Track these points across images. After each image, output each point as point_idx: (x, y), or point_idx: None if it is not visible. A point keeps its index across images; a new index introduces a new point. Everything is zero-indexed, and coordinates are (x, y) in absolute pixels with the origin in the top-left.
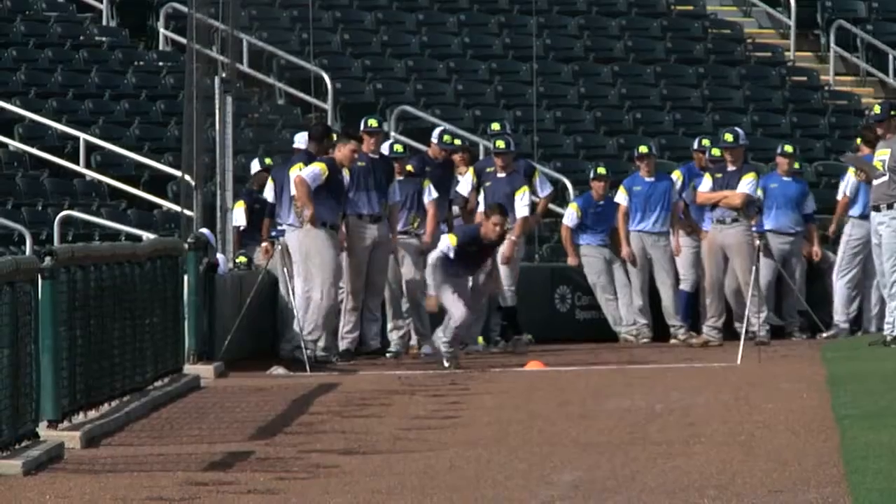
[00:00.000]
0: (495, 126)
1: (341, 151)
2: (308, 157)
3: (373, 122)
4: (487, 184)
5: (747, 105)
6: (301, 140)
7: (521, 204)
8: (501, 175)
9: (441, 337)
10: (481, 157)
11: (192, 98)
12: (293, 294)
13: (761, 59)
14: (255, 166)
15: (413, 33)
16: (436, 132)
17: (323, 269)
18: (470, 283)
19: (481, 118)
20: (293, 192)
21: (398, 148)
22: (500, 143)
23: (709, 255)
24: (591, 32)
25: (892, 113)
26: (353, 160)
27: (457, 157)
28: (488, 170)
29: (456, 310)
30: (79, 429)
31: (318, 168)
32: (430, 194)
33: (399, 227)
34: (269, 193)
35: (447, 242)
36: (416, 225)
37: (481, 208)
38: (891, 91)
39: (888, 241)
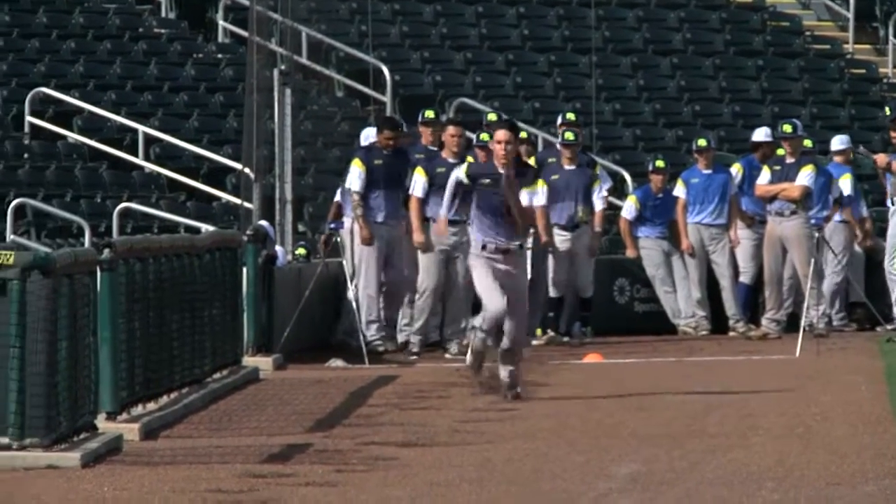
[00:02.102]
0: (571, 116)
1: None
2: (364, 153)
3: (429, 114)
4: (555, 176)
5: (806, 97)
6: (368, 136)
7: (598, 196)
8: (571, 167)
9: (478, 328)
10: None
11: (251, 90)
12: (352, 285)
13: (820, 51)
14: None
15: (472, 25)
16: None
17: (369, 261)
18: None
19: (540, 110)
20: (349, 185)
21: (484, 137)
22: (570, 135)
23: (768, 247)
24: (650, 24)
25: None
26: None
27: (521, 149)
28: (549, 160)
29: (490, 300)
30: (137, 421)
31: (355, 168)
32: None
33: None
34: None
35: (459, 170)
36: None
37: (542, 200)
38: None
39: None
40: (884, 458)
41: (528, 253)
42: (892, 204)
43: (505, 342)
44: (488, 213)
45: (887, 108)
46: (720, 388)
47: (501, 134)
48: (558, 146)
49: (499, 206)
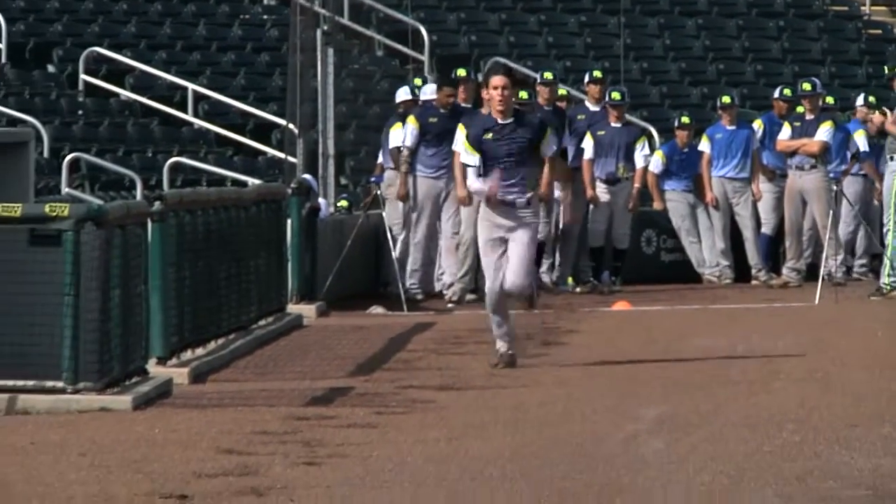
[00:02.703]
0: (598, 73)
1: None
2: (401, 116)
3: (461, 72)
4: (601, 132)
5: (825, 57)
6: (403, 94)
7: (641, 154)
8: (617, 125)
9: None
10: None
11: (295, 50)
12: (392, 235)
13: (838, 12)
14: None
15: None
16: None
17: (422, 213)
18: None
19: (571, 69)
20: (391, 143)
21: (523, 95)
22: (616, 95)
23: (788, 199)
24: None
25: None
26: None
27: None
28: (579, 117)
29: (490, 278)
30: (186, 366)
31: (409, 125)
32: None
33: None
34: (396, 138)
35: (460, 143)
36: None
37: (589, 154)
38: None
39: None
40: None
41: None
42: (892, 160)
43: (506, 285)
44: (497, 164)
45: (885, 68)
46: (743, 335)
47: (497, 80)
48: (607, 105)
49: (507, 157)
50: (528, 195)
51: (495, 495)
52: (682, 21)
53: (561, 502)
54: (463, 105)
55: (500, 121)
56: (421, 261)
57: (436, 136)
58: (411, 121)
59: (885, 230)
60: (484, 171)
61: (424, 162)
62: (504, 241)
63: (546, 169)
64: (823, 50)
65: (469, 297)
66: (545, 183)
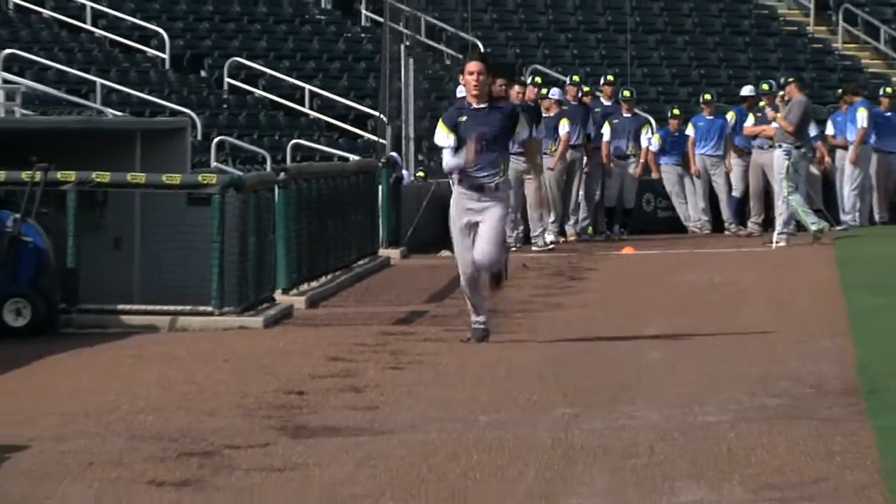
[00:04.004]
0: (610, 77)
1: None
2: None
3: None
4: (616, 121)
5: (780, 64)
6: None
7: (644, 137)
8: (627, 115)
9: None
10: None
11: (385, 59)
12: None
13: (790, 31)
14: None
15: (542, 13)
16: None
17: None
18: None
19: (590, 73)
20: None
21: (544, 91)
22: (627, 93)
23: (752, 171)
24: (670, 12)
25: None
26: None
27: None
28: (596, 110)
29: (462, 261)
30: (303, 295)
31: None
32: (564, 128)
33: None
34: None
35: (441, 134)
36: (553, 149)
37: (606, 137)
38: (882, 54)
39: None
40: (836, 322)
41: (547, 175)
42: (780, 147)
43: (476, 259)
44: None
45: (840, 90)
46: (719, 271)
47: (473, 65)
48: (619, 100)
49: (478, 139)
50: (499, 180)
51: (532, 391)
52: (674, 38)
53: (581, 396)
54: (527, 103)
55: (474, 105)
56: None
57: None
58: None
59: (780, 199)
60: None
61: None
62: (474, 225)
63: (527, 150)
64: (779, 59)
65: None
66: (531, 160)
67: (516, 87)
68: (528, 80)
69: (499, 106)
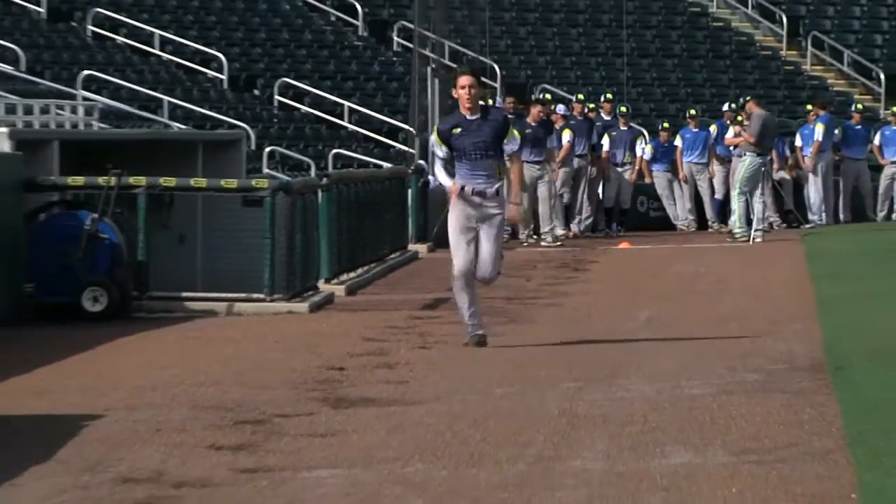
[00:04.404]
0: (609, 95)
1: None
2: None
3: (547, 97)
4: (614, 133)
5: (756, 84)
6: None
7: (639, 147)
8: (624, 128)
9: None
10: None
11: (414, 80)
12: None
13: (766, 55)
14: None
15: (550, 39)
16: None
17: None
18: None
19: (591, 93)
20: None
21: (551, 106)
22: (623, 108)
23: (732, 176)
24: (661, 39)
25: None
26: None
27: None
28: (597, 123)
29: (457, 259)
30: (343, 284)
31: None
32: (566, 137)
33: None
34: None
35: (434, 143)
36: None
37: (606, 147)
38: (845, 75)
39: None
40: (805, 307)
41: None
42: (742, 156)
43: (478, 275)
44: (465, 157)
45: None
46: (703, 263)
47: (465, 79)
48: (617, 115)
49: (473, 150)
50: (496, 185)
51: (541, 368)
52: (664, 61)
53: (583, 372)
54: (542, 119)
55: (468, 117)
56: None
57: (530, 139)
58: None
59: (757, 200)
60: (455, 162)
61: (525, 156)
62: (473, 229)
63: (510, 165)
64: (755, 80)
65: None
66: (515, 178)
67: (538, 107)
68: (539, 98)
69: (489, 117)
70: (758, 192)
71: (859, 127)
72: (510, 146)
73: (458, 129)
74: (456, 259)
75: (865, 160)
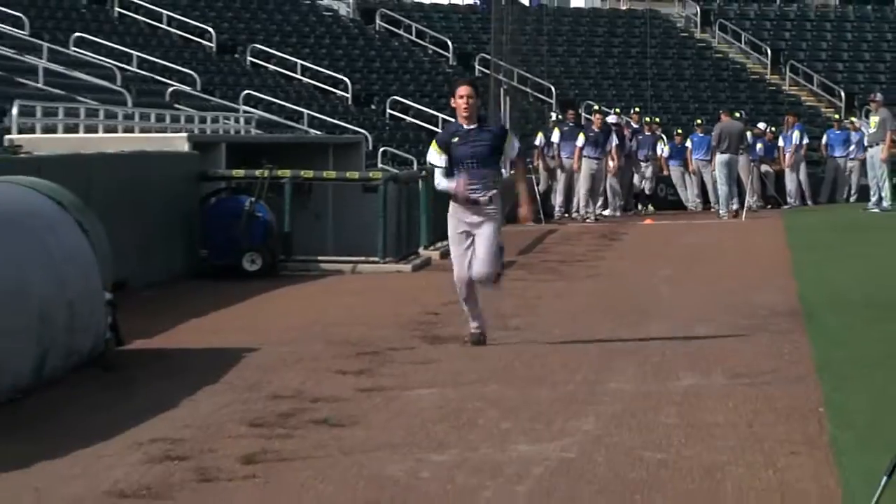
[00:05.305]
0: (637, 109)
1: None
2: (559, 123)
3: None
4: (641, 137)
5: (747, 100)
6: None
7: (660, 147)
8: (648, 133)
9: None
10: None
11: (490, 98)
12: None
13: (754, 78)
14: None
15: (592, 67)
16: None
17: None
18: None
19: (623, 107)
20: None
21: (609, 119)
22: (647, 119)
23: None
24: (675, 67)
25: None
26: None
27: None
28: (626, 131)
29: (456, 268)
30: (437, 250)
31: (556, 131)
32: (513, 149)
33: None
34: (555, 137)
35: (433, 154)
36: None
37: (635, 148)
38: (815, 94)
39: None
40: (785, 268)
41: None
42: (714, 156)
43: (473, 275)
44: (461, 165)
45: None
46: (707, 235)
47: (463, 89)
48: (643, 123)
49: (470, 158)
50: (491, 193)
51: (579, 317)
52: (678, 83)
53: (616, 318)
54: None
55: (466, 126)
56: (562, 196)
57: (593, 141)
58: (556, 129)
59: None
60: (452, 171)
61: (588, 153)
62: (470, 235)
63: (516, 168)
64: (746, 97)
65: (601, 212)
66: (520, 177)
67: (599, 116)
68: (599, 109)
69: (488, 128)
70: (726, 178)
71: (838, 132)
72: (512, 152)
73: (456, 139)
74: (455, 267)
75: (845, 158)
